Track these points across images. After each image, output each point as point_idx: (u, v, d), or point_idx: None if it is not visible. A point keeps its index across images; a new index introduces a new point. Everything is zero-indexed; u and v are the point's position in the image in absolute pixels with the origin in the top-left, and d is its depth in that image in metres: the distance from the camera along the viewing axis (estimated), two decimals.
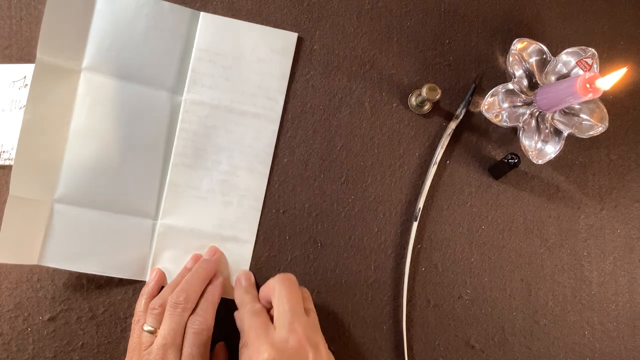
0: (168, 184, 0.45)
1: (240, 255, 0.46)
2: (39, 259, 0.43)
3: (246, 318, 0.40)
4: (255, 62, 0.46)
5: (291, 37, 0.47)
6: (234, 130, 0.46)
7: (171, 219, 0.45)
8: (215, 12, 0.47)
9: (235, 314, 0.43)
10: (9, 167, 0.46)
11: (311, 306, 0.41)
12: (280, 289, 0.39)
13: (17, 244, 0.43)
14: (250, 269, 0.46)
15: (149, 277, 0.45)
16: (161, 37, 0.45)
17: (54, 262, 0.44)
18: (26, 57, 0.46)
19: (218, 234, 0.46)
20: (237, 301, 0.43)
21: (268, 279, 0.41)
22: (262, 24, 0.48)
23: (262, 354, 0.36)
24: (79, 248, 0.44)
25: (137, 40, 0.45)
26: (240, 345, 0.41)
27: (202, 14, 0.46)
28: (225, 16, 0.47)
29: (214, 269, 0.44)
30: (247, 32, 0.46)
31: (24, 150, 0.43)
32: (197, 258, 0.45)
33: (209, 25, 0.46)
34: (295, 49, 0.48)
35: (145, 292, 0.43)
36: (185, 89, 0.46)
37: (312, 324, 0.39)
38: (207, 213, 0.46)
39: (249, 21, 0.47)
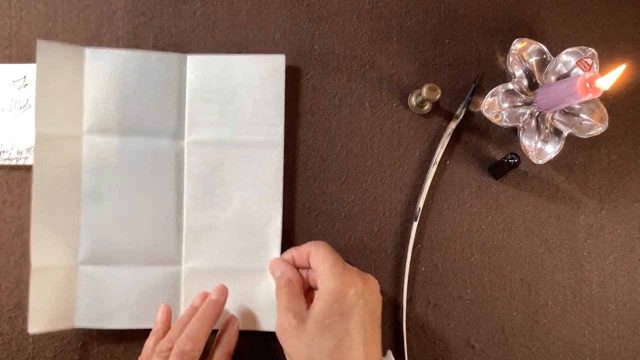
0: (185, 229, 0.45)
1: (268, 285, 0.45)
2: (73, 322, 0.44)
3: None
4: (248, 91, 0.46)
5: (279, 60, 0.46)
6: (239, 162, 0.46)
7: (194, 262, 0.45)
8: (205, 40, 0.47)
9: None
10: (9, 167, 0.46)
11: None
12: (320, 247, 0.41)
13: (49, 313, 0.43)
14: None
15: (158, 317, 0.44)
16: (154, 86, 0.45)
17: (87, 322, 0.44)
18: (26, 57, 0.46)
19: (242, 268, 0.45)
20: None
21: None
22: (262, 24, 0.48)
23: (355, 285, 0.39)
24: (110, 305, 0.44)
25: (131, 94, 0.45)
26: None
27: (188, 56, 0.46)
28: (222, 21, 0.47)
29: (221, 309, 0.43)
30: (234, 64, 0.46)
31: (39, 221, 0.43)
32: (204, 296, 0.44)
33: (197, 66, 0.46)
34: (294, 53, 0.48)
35: (154, 331, 0.43)
36: (186, 132, 0.46)
37: (357, 271, 0.41)
38: (227, 249, 0.45)
39: (249, 24, 0.48)
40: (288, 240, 0.47)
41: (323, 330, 0.37)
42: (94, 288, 0.44)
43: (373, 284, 0.40)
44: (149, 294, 0.45)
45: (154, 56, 0.45)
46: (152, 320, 0.44)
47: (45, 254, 0.43)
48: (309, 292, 0.43)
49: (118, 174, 0.45)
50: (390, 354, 0.43)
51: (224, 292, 0.44)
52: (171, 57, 0.45)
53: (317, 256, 0.41)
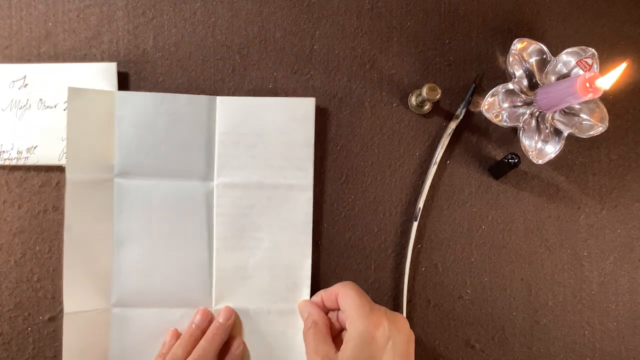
0: (215, 271, 0.45)
1: (299, 327, 0.45)
2: None
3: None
4: (278, 134, 0.46)
5: (309, 103, 0.46)
6: (269, 205, 0.46)
7: (224, 304, 0.45)
8: (205, 40, 0.47)
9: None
10: (9, 167, 0.46)
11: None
12: (350, 289, 0.41)
13: (82, 356, 0.43)
14: None
15: (167, 338, 0.44)
16: (184, 129, 0.45)
17: None
18: (26, 57, 0.46)
19: (273, 309, 0.45)
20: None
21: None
22: (262, 24, 0.48)
23: (381, 326, 0.38)
24: (143, 346, 0.45)
25: (161, 137, 0.45)
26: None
27: (218, 98, 0.46)
28: (222, 21, 0.47)
29: (227, 333, 0.44)
30: (265, 107, 0.46)
31: (72, 267, 0.44)
32: (205, 313, 0.44)
33: (227, 108, 0.46)
34: (294, 53, 0.48)
35: (160, 353, 0.43)
36: (215, 174, 0.46)
37: (386, 312, 0.40)
38: (258, 291, 0.46)
39: (249, 24, 0.47)
40: None
41: None
42: (126, 330, 0.45)
43: (401, 323, 0.39)
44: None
45: (183, 99, 0.45)
46: None
47: (78, 298, 0.44)
48: (339, 334, 0.43)
49: (149, 217, 0.45)
50: None
51: (231, 316, 0.44)
52: (201, 99, 0.46)
53: (346, 298, 0.40)
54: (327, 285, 0.44)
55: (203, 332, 0.43)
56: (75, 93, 0.44)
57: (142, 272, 0.45)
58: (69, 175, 0.44)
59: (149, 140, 0.45)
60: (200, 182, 0.45)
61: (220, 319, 0.44)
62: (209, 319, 0.44)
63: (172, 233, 0.45)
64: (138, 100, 0.45)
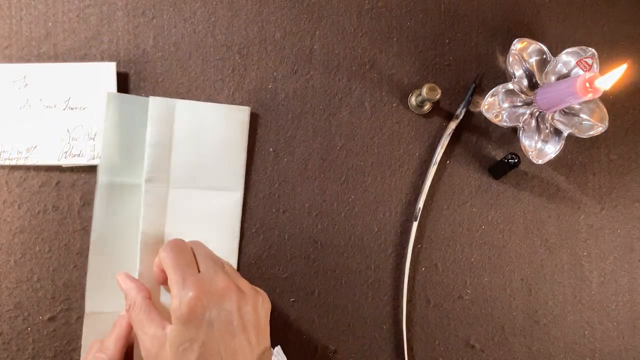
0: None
1: None
2: None
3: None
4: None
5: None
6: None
7: None
8: (205, 40, 0.47)
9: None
10: (9, 167, 0.46)
11: (204, 259, 0.39)
12: (165, 259, 0.38)
13: None
14: (250, 267, 0.46)
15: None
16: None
17: None
18: (26, 57, 0.46)
19: None
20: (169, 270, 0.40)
21: (267, 277, 0.41)
22: (262, 24, 0.48)
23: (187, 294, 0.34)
24: None
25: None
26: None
27: (248, 109, 0.47)
28: (222, 21, 0.47)
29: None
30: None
31: (96, 268, 0.44)
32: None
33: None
34: (294, 54, 0.48)
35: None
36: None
37: (205, 279, 0.36)
38: None
39: (249, 24, 0.47)
40: (288, 240, 0.47)
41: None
42: None
43: (219, 289, 0.35)
44: None
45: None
46: None
47: (100, 300, 0.44)
48: None
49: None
50: (279, 349, 0.41)
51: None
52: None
53: (165, 270, 0.38)
54: (327, 284, 0.44)
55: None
56: (113, 98, 0.45)
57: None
58: (100, 177, 0.45)
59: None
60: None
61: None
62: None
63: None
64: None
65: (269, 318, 0.38)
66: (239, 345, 0.35)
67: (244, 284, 0.38)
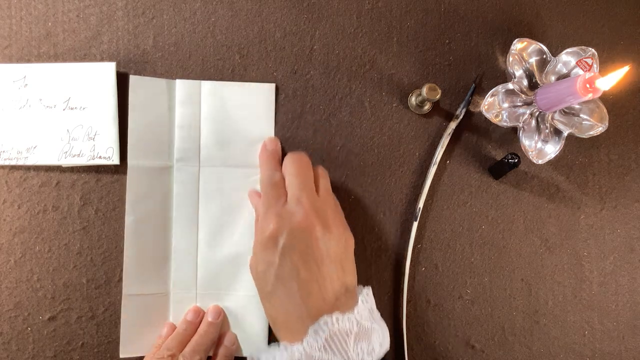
0: None
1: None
2: None
3: (262, 187, 0.41)
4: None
5: (269, 89, 0.47)
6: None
7: None
8: (205, 40, 0.47)
9: (250, 191, 0.46)
10: (9, 167, 0.46)
11: (326, 186, 0.42)
12: (290, 165, 0.41)
13: (140, 338, 0.45)
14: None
15: (164, 332, 0.45)
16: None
17: None
18: (26, 57, 0.46)
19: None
20: (260, 165, 0.44)
21: None
22: (262, 24, 0.48)
23: (269, 225, 0.38)
24: None
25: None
26: (255, 220, 0.44)
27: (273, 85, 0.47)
28: (222, 21, 0.47)
29: (218, 330, 0.44)
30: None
31: (132, 251, 0.45)
32: (196, 311, 0.45)
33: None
34: (294, 53, 0.48)
35: (157, 344, 0.44)
36: None
37: (323, 201, 0.40)
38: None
39: (249, 24, 0.48)
40: None
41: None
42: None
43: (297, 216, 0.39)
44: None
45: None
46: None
47: (137, 282, 0.45)
48: None
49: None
50: (369, 290, 0.42)
51: (220, 314, 0.45)
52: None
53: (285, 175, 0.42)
54: None
55: (195, 328, 0.44)
56: (137, 82, 0.45)
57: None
58: (130, 161, 0.45)
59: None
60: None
61: (209, 317, 0.44)
62: (200, 316, 0.45)
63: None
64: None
65: (352, 255, 0.41)
66: (321, 274, 0.37)
67: (334, 221, 0.40)
